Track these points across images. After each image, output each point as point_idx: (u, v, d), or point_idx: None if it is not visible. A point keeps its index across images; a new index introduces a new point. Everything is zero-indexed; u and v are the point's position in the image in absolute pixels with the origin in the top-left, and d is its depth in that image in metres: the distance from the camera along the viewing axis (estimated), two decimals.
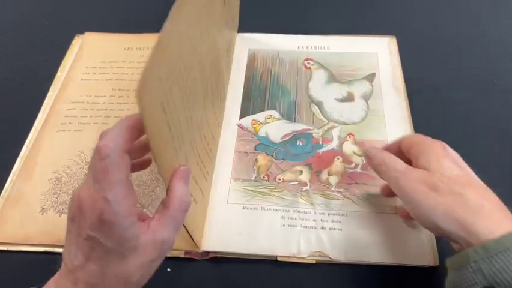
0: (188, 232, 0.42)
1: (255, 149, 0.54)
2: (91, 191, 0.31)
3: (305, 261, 0.45)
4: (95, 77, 0.63)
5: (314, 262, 0.45)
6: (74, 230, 0.33)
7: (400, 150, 0.43)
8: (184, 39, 0.34)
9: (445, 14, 0.68)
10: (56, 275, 0.35)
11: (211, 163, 0.50)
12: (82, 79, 0.62)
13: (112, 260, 0.32)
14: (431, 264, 0.44)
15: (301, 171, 0.51)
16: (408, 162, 0.41)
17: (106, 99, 0.60)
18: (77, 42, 0.68)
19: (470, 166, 0.42)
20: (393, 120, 0.55)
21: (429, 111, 0.56)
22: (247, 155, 0.53)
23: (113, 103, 0.59)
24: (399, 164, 0.40)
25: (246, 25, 0.66)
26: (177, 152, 0.36)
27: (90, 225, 0.31)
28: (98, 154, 0.31)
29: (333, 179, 0.51)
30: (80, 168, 0.53)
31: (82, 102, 0.60)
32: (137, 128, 0.32)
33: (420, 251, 0.45)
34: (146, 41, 0.67)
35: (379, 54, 0.63)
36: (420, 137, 0.42)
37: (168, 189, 0.35)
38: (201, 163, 0.46)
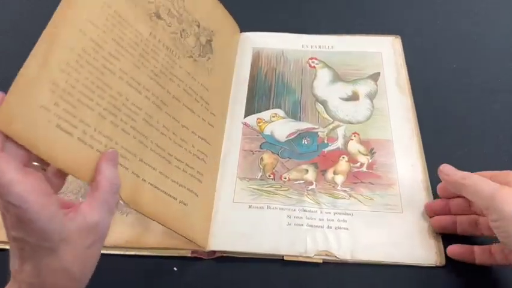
0: (182, 235, 0.44)
1: (261, 147, 0.54)
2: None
3: (312, 260, 0.45)
4: None
5: (321, 262, 0.45)
6: (6, 234, 0.33)
7: None
8: (78, 67, 0.40)
9: (449, 14, 0.68)
10: (8, 284, 0.34)
11: (206, 164, 0.50)
12: None
13: (43, 256, 0.32)
14: (438, 264, 0.44)
15: (307, 170, 0.51)
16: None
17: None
18: None
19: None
20: (398, 120, 0.55)
21: (434, 110, 0.56)
22: (253, 153, 0.53)
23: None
24: (489, 180, 0.39)
25: (250, 25, 0.66)
26: (126, 165, 0.40)
27: (11, 226, 0.31)
28: None
29: (338, 178, 0.51)
30: None
31: None
32: None
33: (427, 251, 0.45)
34: None
35: (383, 53, 0.62)
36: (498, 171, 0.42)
37: (96, 173, 0.35)
38: (185, 166, 0.47)
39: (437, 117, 0.55)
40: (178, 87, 0.51)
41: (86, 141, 0.38)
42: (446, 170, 0.43)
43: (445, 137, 0.54)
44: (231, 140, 0.54)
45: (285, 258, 0.45)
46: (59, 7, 0.41)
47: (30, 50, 0.65)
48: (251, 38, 0.66)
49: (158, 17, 0.54)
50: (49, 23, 0.40)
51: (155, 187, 0.43)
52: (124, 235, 0.47)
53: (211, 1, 0.61)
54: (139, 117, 0.44)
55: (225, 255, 0.46)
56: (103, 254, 0.38)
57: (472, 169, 0.48)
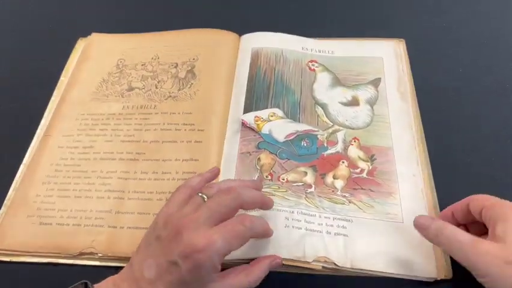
0: None
1: (258, 147, 0.51)
2: (200, 227, 0.35)
3: (310, 266, 0.42)
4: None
5: (320, 268, 0.42)
6: (159, 248, 0.35)
7: (468, 210, 0.41)
8: (56, 174, 0.50)
9: (454, 17, 0.67)
10: (117, 276, 0.37)
11: None
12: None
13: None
14: (439, 278, 0.42)
15: (306, 173, 0.49)
16: (475, 222, 0.41)
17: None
18: (80, 45, 0.66)
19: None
20: (399, 127, 0.53)
21: (440, 116, 0.54)
22: (250, 154, 0.50)
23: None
24: (462, 234, 0.37)
25: (249, 27, 0.64)
26: (102, 223, 0.47)
27: (181, 253, 0.34)
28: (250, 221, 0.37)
29: (338, 183, 0.49)
30: None
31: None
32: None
33: (428, 264, 0.42)
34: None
35: (384, 58, 0.61)
36: (495, 199, 0.39)
37: (256, 262, 0.39)
38: (168, 194, 0.47)
39: (443, 123, 0.54)
40: (155, 131, 0.54)
41: (63, 222, 0.46)
42: (421, 222, 0.40)
43: (452, 145, 0.52)
44: (229, 143, 0.52)
45: (283, 262, 0.42)
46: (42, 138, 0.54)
47: (29, 50, 0.68)
48: (250, 39, 0.64)
49: (130, 89, 0.58)
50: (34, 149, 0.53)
51: (135, 228, 0.46)
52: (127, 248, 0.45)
53: (190, 34, 0.64)
54: (113, 179, 0.49)
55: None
56: (111, 267, 0.44)
57: (479, 178, 0.47)
